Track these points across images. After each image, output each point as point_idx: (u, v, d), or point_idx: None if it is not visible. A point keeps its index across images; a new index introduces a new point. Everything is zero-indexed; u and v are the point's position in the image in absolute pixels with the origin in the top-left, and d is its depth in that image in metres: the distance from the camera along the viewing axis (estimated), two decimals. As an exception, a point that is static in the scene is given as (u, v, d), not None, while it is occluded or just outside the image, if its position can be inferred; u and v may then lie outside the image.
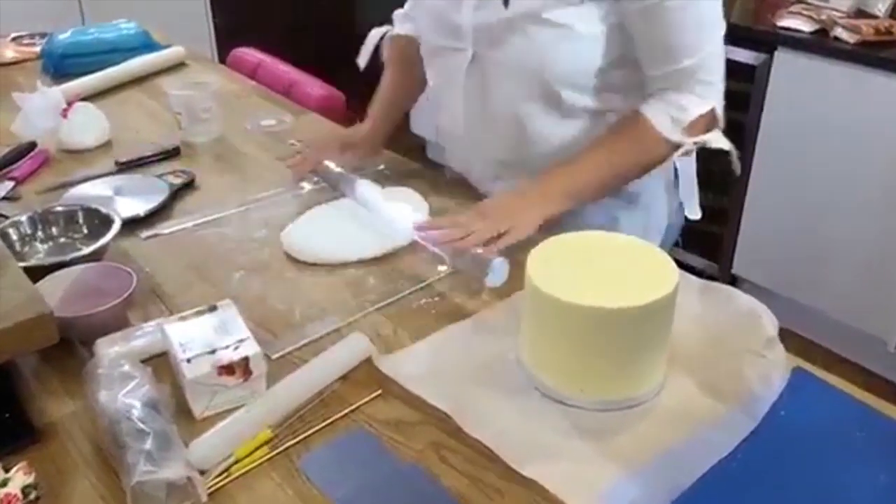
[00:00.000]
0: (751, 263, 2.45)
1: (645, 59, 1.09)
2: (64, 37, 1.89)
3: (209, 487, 0.73)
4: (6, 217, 1.15)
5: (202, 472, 0.74)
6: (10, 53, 2.03)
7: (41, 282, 0.94)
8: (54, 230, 1.13)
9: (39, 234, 1.13)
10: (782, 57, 2.16)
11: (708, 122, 1.11)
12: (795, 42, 2.14)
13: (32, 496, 0.71)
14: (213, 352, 0.83)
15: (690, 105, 1.08)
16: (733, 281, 2.50)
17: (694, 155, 1.28)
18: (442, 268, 1.09)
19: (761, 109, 2.24)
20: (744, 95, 2.25)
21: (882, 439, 0.79)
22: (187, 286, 1.06)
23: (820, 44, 2.11)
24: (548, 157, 1.17)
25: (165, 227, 1.21)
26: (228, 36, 3.12)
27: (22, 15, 2.36)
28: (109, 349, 0.88)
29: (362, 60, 1.41)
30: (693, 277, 1.00)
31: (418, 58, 1.30)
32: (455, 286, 1.05)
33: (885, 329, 2.17)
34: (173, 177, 1.33)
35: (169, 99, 1.54)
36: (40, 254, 1.11)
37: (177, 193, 1.30)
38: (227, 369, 0.82)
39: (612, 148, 1.12)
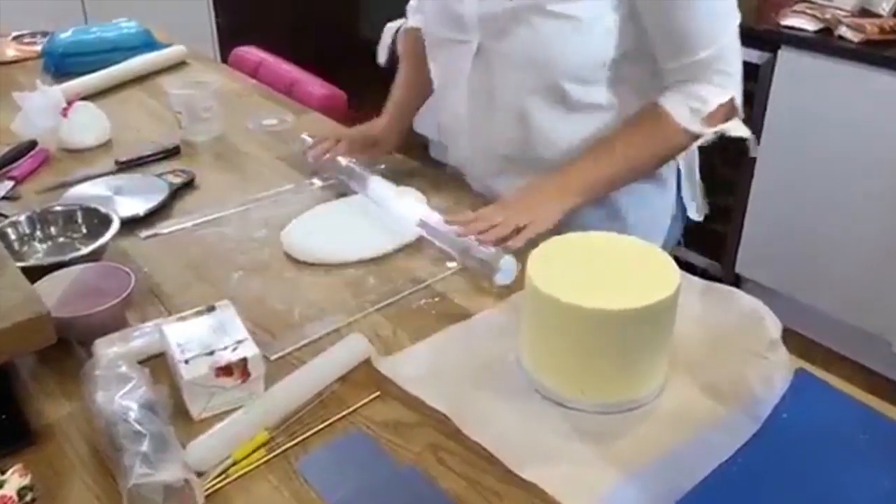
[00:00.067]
0: (754, 262, 2.44)
1: (660, 52, 1.09)
2: (65, 36, 1.89)
3: (206, 490, 0.73)
4: (6, 217, 1.15)
5: (199, 475, 0.74)
6: (12, 52, 2.03)
7: (39, 282, 0.93)
8: (53, 230, 1.13)
9: (38, 233, 1.12)
10: (786, 56, 2.15)
11: (727, 111, 1.11)
12: (799, 41, 2.13)
13: (28, 498, 0.70)
14: (211, 353, 0.82)
15: (710, 95, 1.08)
16: (736, 280, 2.49)
17: (697, 157, 1.28)
18: (451, 264, 1.08)
19: (765, 109, 2.23)
20: (747, 94, 2.20)
21: (885, 442, 0.78)
22: (186, 286, 1.06)
23: (824, 43, 2.10)
24: (553, 153, 1.17)
25: (165, 227, 1.20)
26: (230, 35, 3.12)
27: (24, 13, 2.35)
28: (107, 350, 0.87)
29: (382, 57, 1.43)
30: (695, 278, 0.99)
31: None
32: (455, 287, 1.04)
33: (889, 329, 2.16)
34: (173, 176, 1.32)
35: (169, 98, 1.54)
36: (39, 254, 1.11)
37: (177, 193, 1.30)
38: (225, 370, 0.81)
39: (631, 140, 1.12)
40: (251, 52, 2.17)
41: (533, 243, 0.89)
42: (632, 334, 0.79)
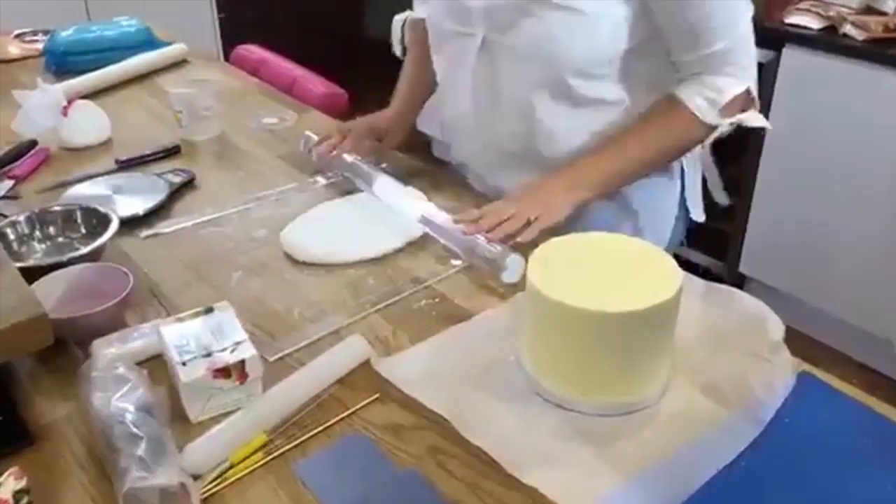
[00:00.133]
0: (758, 262, 2.43)
1: (675, 45, 1.08)
2: (66, 34, 1.89)
3: (203, 493, 0.72)
4: (5, 216, 1.15)
5: (196, 478, 0.73)
6: (14, 50, 2.03)
7: (38, 282, 0.93)
8: (52, 230, 1.13)
9: (37, 233, 1.12)
10: (790, 54, 2.14)
11: (743, 102, 1.10)
12: (803, 39, 2.12)
13: (24, 502, 0.70)
14: (208, 354, 0.82)
15: (726, 86, 1.07)
16: (740, 280, 2.48)
17: (699, 158, 1.27)
18: (455, 263, 1.08)
19: (769, 107, 2.21)
20: (751, 93, 2.22)
21: (889, 445, 0.77)
22: (185, 286, 1.05)
23: (828, 41, 2.08)
24: (557, 149, 1.16)
25: (165, 227, 1.20)
26: (234, 33, 3.11)
27: (27, 12, 2.35)
28: (105, 351, 0.87)
29: (397, 49, 1.43)
30: (697, 279, 0.99)
31: None
32: (456, 287, 1.04)
33: (892, 330, 2.14)
34: (173, 175, 1.32)
35: (170, 97, 1.53)
36: (38, 254, 1.10)
37: (177, 192, 1.29)
38: (223, 372, 0.80)
39: (645, 133, 1.12)
40: (252, 51, 2.16)
41: (533, 244, 0.88)
42: (633, 336, 0.78)
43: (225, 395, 0.81)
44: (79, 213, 1.13)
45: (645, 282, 0.80)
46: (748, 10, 1.06)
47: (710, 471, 0.73)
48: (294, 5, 3.97)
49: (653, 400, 0.82)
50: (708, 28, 1.04)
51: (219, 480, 0.74)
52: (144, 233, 1.18)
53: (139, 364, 0.85)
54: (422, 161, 1.43)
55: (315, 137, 1.36)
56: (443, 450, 0.77)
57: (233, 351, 0.82)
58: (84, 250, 1.03)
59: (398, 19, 1.43)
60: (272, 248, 1.13)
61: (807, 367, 0.87)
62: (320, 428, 0.80)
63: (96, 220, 1.11)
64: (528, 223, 1.05)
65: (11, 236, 1.09)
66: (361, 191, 1.26)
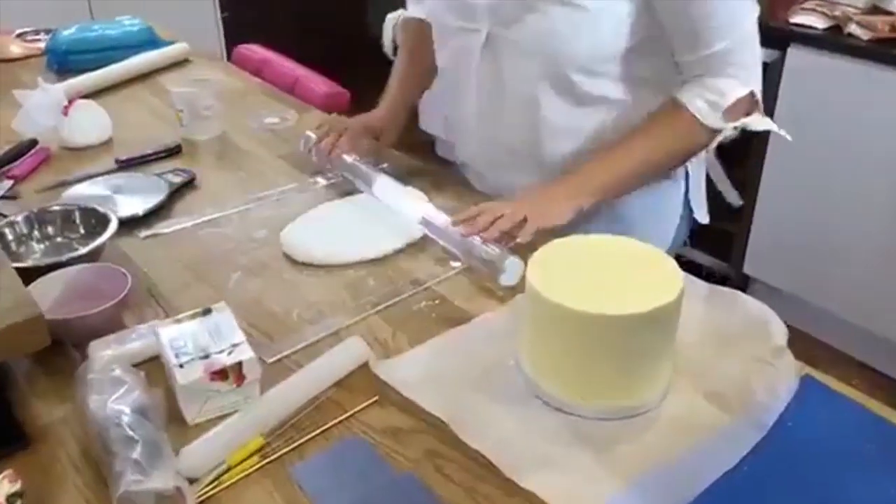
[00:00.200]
0: (763, 263, 2.41)
1: (676, 45, 1.07)
2: (68, 33, 1.88)
3: (199, 496, 0.72)
4: (4, 216, 1.14)
5: (193, 481, 0.73)
6: (16, 50, 2.02)
7: (35, 283, 0.93)
8: (50, 230, 1.12)
9: (36, 233, 1.11)
10: (795, 54, 2.13)
11: (747, 105, 1.09)
12: (808, 39, 2.11)
13: (18, 504, 0.70)
14: (206, 356, 0.81)
15: (727, 88, 1.06)
16: (745, 281, 2.46)
17: (704, 159, 1.26)
18: (455, 264, 1.07)
19: (773, 107, 2.20)
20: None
21: (893, 450, 0.76)
22: (184, 287, 1.05)
23: (834, 41, 2.07)
24: (560, 146, 1.16)
25: (164, 227, 1.19)
26: (237, 32, 3.11)
27: (30, 11, 2.35)
28: (102, 352, 0.86)
29: (388, 48, 1.42)
30: (699, 281, 0.98)
31: (430, 42, 1.28)
32: (456, 288, 1.03)
33: (898, 331, 2.13)
34: (173, 175, 1.31)
35: (171, 96, 1.53)
36: (36, 254, 1.10)
37: (177, 192, 1.29)
38: (220, 374, 0.80)
39: (649, 139, 1.11)
40: (254, 50, 2.15)
41: (533, 246, 0.87)
42: (634, 340, 0.77)
43: (222, 398, 0.81)
44: (77, 214, 1.13)
45: (646, 284, 0.80)
46: (753, 11, 1.05)
47: (712, 476, 0.72)
48: (296, 5, 3.97)
49: (654, 404, 0.81)
50: (709, 27, 1.03)
51: (215, 483, 0.73)
52: (144, 233, 1.17)
53: (137, 366, 0.85)
54: (425, 161, 1.43)
55: (314, 137, 1.36)
56: (441, 453, 0.77)
57: (230, 353, 0.81)
58: (83, 251, 1.03)
59: (391, 18, 1.42)
60: (272, 249, 1.12)
61: (809, 369, 0.86)
62: (318, 431, 0.79)
63: (95, 220, 1.11)
64: (525, 221, 1.03)
65: (10, 236, 1.09)
66: (362, 191, 1.25)
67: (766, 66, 2.15)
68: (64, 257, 1.01)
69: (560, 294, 0.77)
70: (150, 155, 1.42)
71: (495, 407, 0.81)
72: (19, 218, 1.11)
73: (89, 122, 1.49)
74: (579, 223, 1.08)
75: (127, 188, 1.27)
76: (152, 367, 0.86)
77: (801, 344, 0.88)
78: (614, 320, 0.75)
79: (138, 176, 1.33)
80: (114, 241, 1.08)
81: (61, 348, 0.89)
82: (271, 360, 0.89)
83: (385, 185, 1.21)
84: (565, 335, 0.79)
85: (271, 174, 1.36)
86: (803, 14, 2.16)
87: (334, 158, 1.30)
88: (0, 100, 1.59)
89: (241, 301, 0.99)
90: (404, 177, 1.28)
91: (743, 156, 2.29)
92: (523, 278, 0.83)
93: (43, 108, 1.45)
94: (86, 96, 1.60)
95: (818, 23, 2.12)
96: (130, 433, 0.72)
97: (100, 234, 1.06)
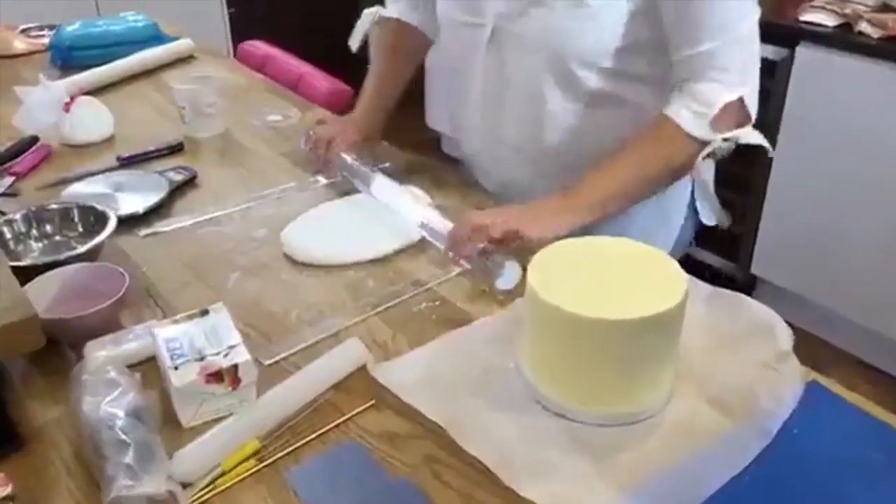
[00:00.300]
0: (770, 263, 2.39)
1: (671, 43, 1.05)
2: (72, 29, 1.87)
3: (193, 501, 0.71)
4: (3, 213, 1.13)
5: (187, 485, 0.72)
6: (21, 45, 2.02)
7: (32, 282, 0.92)
8: (49, 228, 1.11)
9: (34, 232, 1.11)
10: (804, 52, 2.10)
11: (738, 115, 1.04)
12: (818, 37, 2.08)
13: (9, 508, 0.69)
14: (202, 358, 0.80)
15: (713, 95, 1.02)
16: (752, 281, 2.44)
17: (712, 165, 1.24)
18: (454, 267, 1.05)
19: (782, 106, 2.18)
20: (764, 92, 2.15)
21: (901, 459, 0.75)
22: (183, 286, 1.04)
23: (843, 39, 2.04)
24: (564, 143, 1.14)
25: (164, 226, 1.18)
26: (244, 28, 3.10)
27: (36, 7, 2.35)
28: (98, 353, 0.85)
29: (353, 43, 1.38)
30: (702, 283, 0.96)
31: (409, 41, 1.27)
32: (457, 290, 1.02)
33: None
34: (174, 173, 1.30)
35: (173, 93, 1.52)
36: (35, 252, 1.09)
37: (178, 190, 1.28)
38: (216, 377, 0.79)
39: (638, 151, 1.07)
40: (258, 47, 2.14)
41: (532, 249, 0.86)
42: (636, 344, 0.76)
43: (217, 401, 0.80)
44: (76, 212, 1.12)
45: (649, 287, 0.78)
46: (752, 12, 1.02)
47: (715, 484, 0.71)
48: (304, 2, 3.95)
49: (656, 410, 0.80)
50: (702, 25, 1.00)
51: (209, 488, 0.72)
52: (144, 231, 1.16)
53: (133, 367, 0.84)
54: (430, 158, 1.41)
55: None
56: (438, 459, 0.75)
57: (226, 355, 0.80)
58: (81, 249, 1.02)
59: (369, 13, 1.39)
60: (272, 248, 1.11)
61: (816, 374, 0.84)
62: (314, 435, 0.78)
63: (94, 218, 1.10)
64: (515, 234, 0.99)
65: (8, 235, 1.08)
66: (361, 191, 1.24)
67: (774, 64, 2.15)
68: (62, 256, 1.00)
69: (560, 297, 0.75)
70: (151, 152, 1.41)
71: (494, 412, 0.80)
72: (17, 216, 1.10)
73: (91, 119, 1.48)
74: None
75: (128, 186, 1.26)
76: (148, 368, 0.85)
77: (808, 345, 0.87)
78: (616, 325, 0.74)
79: (139, 173, 1.32)
80: (113, 239, 1.07)
81: (58, 348, 0.88)
82: (269, 362, 0.88)
83: (383, 186, 1.20)
84: (566, 339, 0.77)
85: (273, 172, 1.35)
86: (813, 12, 2.13)
87: (334, 158, 1.28)
88: (1, 96, 1.59)
89: (239, 301, 0.98)
90: (406, 174, 1.27)
91: (750, 155, 2.26)
92: (521, 282, 0.81)
93: (44, 105, 1.44)
94: (88, 93, 1.59)
95: (828, 21, 2.10)
96: (123, 437, 0.71)
97: (98, 232, 1.05)
